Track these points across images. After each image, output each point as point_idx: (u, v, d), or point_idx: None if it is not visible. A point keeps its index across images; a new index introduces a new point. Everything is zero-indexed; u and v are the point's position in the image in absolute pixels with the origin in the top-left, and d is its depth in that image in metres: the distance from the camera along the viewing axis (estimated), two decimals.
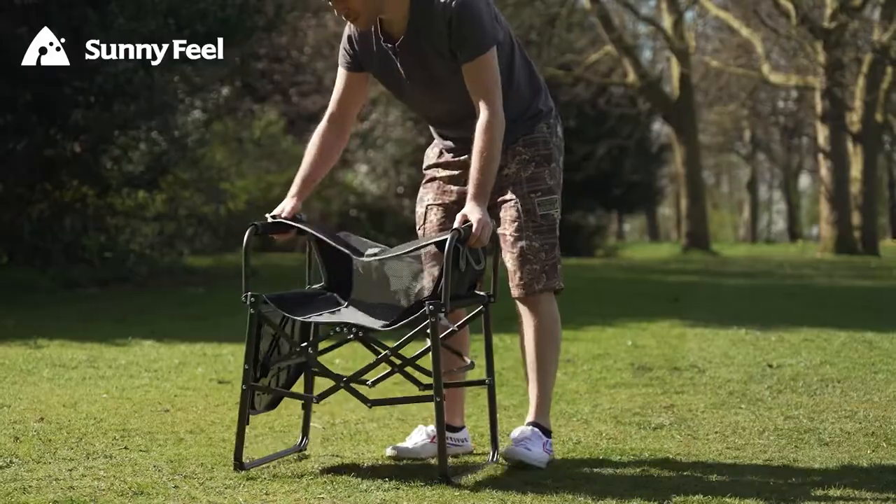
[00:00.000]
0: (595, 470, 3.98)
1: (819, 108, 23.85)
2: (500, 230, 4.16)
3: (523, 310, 4.18)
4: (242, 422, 3.95)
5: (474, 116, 4.01)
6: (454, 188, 4.24)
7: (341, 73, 4.18)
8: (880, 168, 25.37)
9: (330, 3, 3.95)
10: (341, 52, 4.18)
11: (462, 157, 4.21)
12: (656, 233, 51.53)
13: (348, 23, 4.09)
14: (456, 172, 4.24)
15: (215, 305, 10.90)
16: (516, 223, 4.13)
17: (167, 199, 15.04)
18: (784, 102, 37.20)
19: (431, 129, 4.33)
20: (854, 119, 23.40)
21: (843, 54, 22.97)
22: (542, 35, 24.35)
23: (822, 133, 23.79)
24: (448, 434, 4.14)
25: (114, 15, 11.91)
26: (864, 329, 8.33)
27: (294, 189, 4.12)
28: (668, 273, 17.51)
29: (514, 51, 4.13)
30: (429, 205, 4.29)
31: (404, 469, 3.97)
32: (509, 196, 4.15)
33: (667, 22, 25.49)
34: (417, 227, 4.34)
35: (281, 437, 4.52)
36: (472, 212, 3.90)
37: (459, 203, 4.15)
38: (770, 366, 6.52)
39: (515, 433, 4.08)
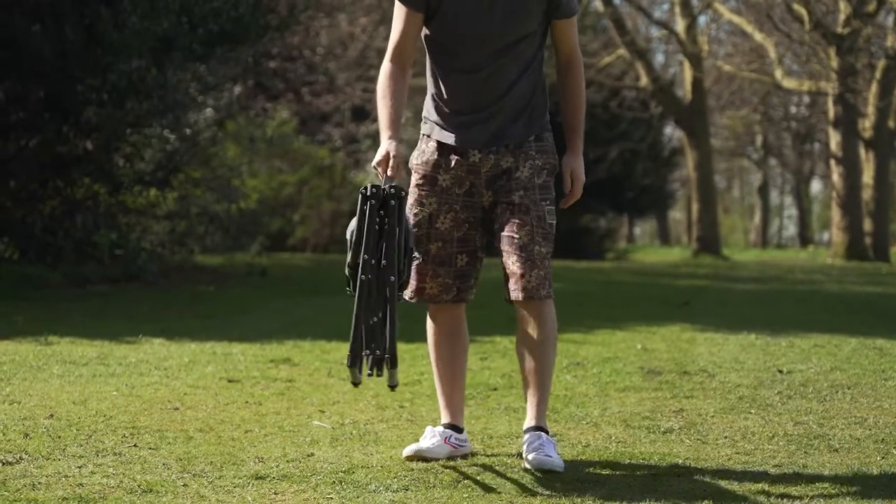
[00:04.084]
0: (604, 473, 3.98)
1: (831, 113, 23.79)
2: (505, 232, 4.08)
3: (528, 314, 4.09)
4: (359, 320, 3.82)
5: (506, 98, 4.08)
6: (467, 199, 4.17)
7: (407, 13, 4.10)
8: (892, 174, 25.25)
9: None
10: None
11: (471, 161, 4.13)
12: (667, 236, 51.45)
13: None
14: (466, 176, 4.15)
15: (225, 304, 10.92)
16: (528, 227, 4.06)
17: (178, 198, 15.04)
18: (796, 107, 37.10)
19: (448, 109, 4.15)
20: (866, 125, 23.33)
21: (856, 60, 22.90)
22: None
23: (835, 139, 23.72)
24: (453, 434, 4.21)
25: (127, 13, 11.93)
26: (874, 336, 8.31)
27: (394, 132, 4.02)
28: (679, 277, 17.48)
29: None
30: (433, 212, 4.16)
31: (413, 470, 3.97)
32: (520, 200, 4.08)
33: (680, 26, 25.44)
34: (417, 230, 4.16)
35: (290, 436, 4.52)
36: (577, 167, 4.18)
37: (475, 215, 4.18)
38: (780, 371, 6.50)
39: (532, 442, 4.03)
